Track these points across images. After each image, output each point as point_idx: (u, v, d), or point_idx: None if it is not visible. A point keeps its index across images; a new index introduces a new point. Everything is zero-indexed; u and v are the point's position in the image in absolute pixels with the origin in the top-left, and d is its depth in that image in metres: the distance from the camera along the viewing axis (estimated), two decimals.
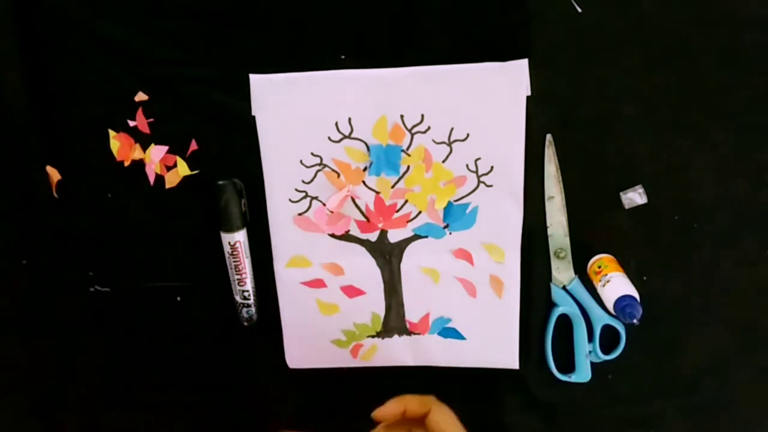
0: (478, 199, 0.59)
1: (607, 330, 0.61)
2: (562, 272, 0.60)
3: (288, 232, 0.61)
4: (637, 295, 0.55)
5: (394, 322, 0.63)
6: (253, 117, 0.58)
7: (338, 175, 0.59)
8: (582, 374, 0.62)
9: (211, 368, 0.65)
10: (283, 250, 0.61)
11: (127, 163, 0.60)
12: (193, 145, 0.59)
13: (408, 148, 0.58)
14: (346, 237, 0.61)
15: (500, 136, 0.57)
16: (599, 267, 0.58)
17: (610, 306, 0.55)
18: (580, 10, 0.54)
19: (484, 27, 0.55)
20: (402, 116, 0.57)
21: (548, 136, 0.57)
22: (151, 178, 0.59)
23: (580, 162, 0.58)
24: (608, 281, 0.56)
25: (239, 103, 0.57)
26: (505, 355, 0.62)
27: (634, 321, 0.53)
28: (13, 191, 0.61)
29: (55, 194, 0.60)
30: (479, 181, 0.58)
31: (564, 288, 0.61)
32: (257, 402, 0.66)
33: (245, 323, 0.63)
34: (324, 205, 0.60)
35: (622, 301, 0.54)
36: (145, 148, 0.59)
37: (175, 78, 0.58)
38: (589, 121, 0.57)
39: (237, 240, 0.60)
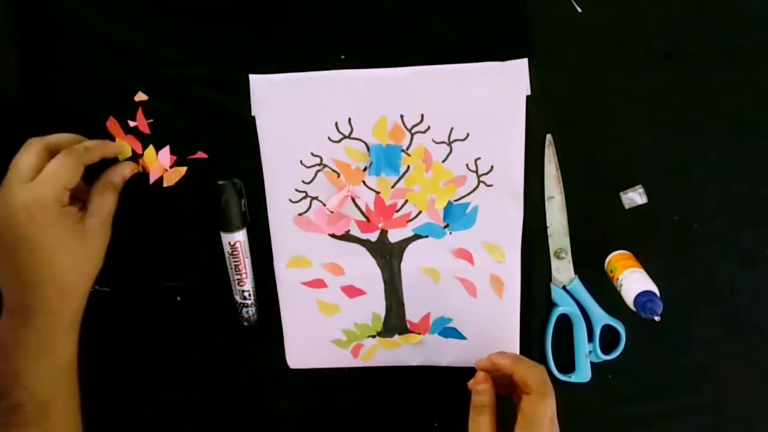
0: (478, 198, 0.59)
1: (607, 330, 0.61)
2: (562, 272, 0.60)
3: (288, 233, 0.61)
4: (655, 290, 0.54)
5: (394, 322, 0.63)
6: (253, 117, 0.58)
7: (338, 175, 0.59)
8: (582, 374, 0.62)
9: (211, 368, 0.65)
10: (283, 250, 0.61)
11: None
12: (201, 154, 0.59)
13: (408, 148, 0.58)
14: (347, 237, 0.61)
15: (500, 135, 0.57)
16: (611, 271, 0.57)
17: (632, 306, 0.54)
18: (580, 10, 0.54)
19: (484, 27, 0.55)
20: (402, 116, 0.57)
21: (548, 136, 0.57)
22: (152, 178, 0.59)
23: (580, 162, 0.58)
24: (621, 285, 0.55)
25: (239, 103, 0.57)
26: None
27: (656, 318, 0.52)
28: None
29: None
30: (479, 181, 0.58)
31: (564, 288, 0.61)
32: (257, 402, 0.66)
33: (245, 323, 0.63)
34: (324, 205, 0.60)
35: (641, 299, 0.53)
36: (144, 148, 0.59)
37: (175, 78, 0.58)
38: (589, 121, 0.57)
39: (237, 240, 0.60)
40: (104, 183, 0.56)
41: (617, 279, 0.56)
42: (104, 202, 0.56)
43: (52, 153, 0.53)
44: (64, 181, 0.52)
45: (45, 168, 0.52)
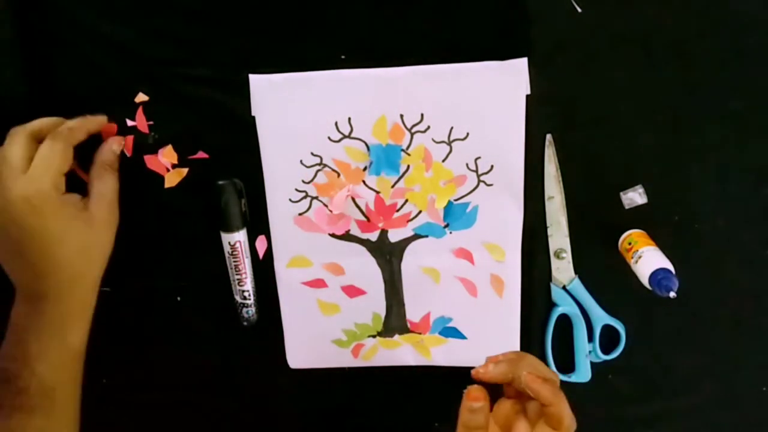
0: (478, 198, 0.59)
1: (607, 330, 0.61)
2: (562, 272, 0.60)
3: (288, 232, 0.61)
4: (671, 267, 0.53)
5: (395, 322, 0.63)
6: (253, 117, 0.58)
7: (338, 175, 0.59)
8: (582, 374, 0.62)
9: (211, 368, 0.65)
10: (283, 250, 0.61)
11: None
12: (201, 154, 0.59)
13: (408, 148, 0.58)
14: (347, 237, 0.61)
15: (500, 134, 0.57)
16: (629, 244, 0.57)
17: (645, 282, 0.54)
18: (580, 10, 0.54)
19: (484, 27, 0.55)
20: (402, 116, 0.57)
21: (548, 136, 0.57)
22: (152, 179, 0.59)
23: (580, 162, 0.58)
24: (640, 257, 0.55)
25: (239, 103, 0.57)
26: None
27: (671, 294, 0.51)
28: None
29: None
30: (479, 180, 0.58)
31: (564, 288, 0.61)
32: (258, 402, 0.66)
33: (245, 323, 0.63)
34: (324, 205, 0.60)
35: (657, 275, 0.53)
36: (147, 149, 0.59)
37: (175, 78, 0.58)
38: (589, 121, 0.57)
39: (237, 240, 0.60)
40: (99, 165, 0.56)
41: (634, 252, 0.55)
42: (105, 185, 0.55)
43: (38, 140, 0.53)
44: (57, 167, 0.52)
45: (35, 157, 0.51)
